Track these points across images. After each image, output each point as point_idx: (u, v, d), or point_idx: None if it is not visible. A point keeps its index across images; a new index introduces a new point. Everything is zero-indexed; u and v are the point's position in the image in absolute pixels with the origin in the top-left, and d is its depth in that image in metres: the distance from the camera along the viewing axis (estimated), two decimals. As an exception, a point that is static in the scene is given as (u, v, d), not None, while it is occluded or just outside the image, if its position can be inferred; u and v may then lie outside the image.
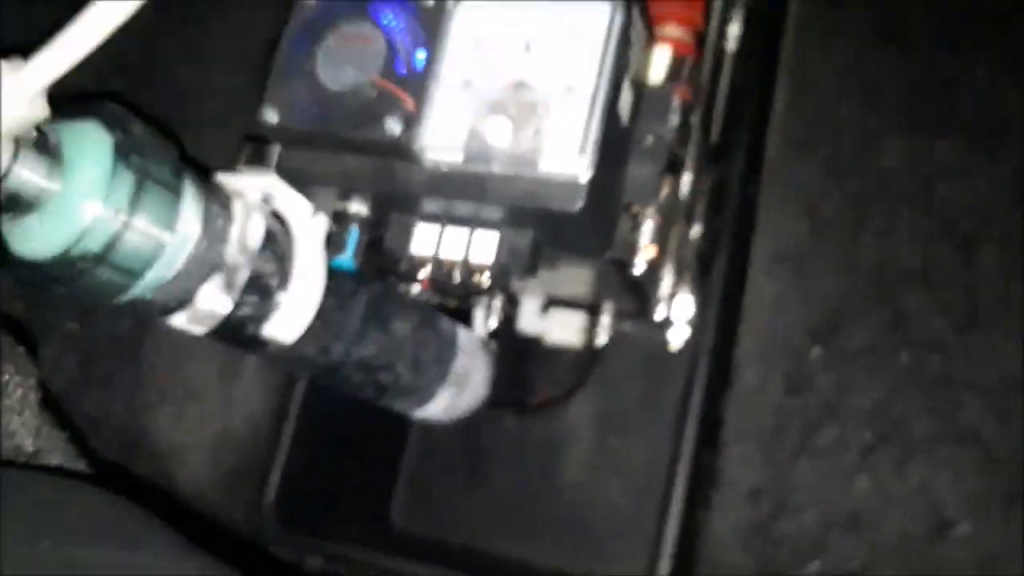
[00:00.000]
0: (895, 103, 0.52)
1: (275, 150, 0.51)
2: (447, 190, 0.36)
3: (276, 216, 0.49)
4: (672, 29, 0.41)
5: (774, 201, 0.53)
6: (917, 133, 0.51)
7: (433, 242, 0.38)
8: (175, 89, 0.64)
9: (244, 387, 0.60)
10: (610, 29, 0.34)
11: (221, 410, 0.60)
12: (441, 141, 0.35)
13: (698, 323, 0.54)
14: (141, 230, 0.38)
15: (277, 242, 0.47)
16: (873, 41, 0.53)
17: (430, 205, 0.37)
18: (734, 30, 0.59)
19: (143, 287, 0.40)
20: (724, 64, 0.57)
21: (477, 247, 0.38)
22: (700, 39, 0.43)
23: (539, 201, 0.34)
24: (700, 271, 0.55)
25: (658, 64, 0.39)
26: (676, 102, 0.39)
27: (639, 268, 0.44)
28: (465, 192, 0.35)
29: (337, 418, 0.65)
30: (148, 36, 0.64)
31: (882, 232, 0.51)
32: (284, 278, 0.47)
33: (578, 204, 0.34)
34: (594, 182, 0.34)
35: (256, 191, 0.49)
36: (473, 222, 0.38)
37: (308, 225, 0.48)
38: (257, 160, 0.51)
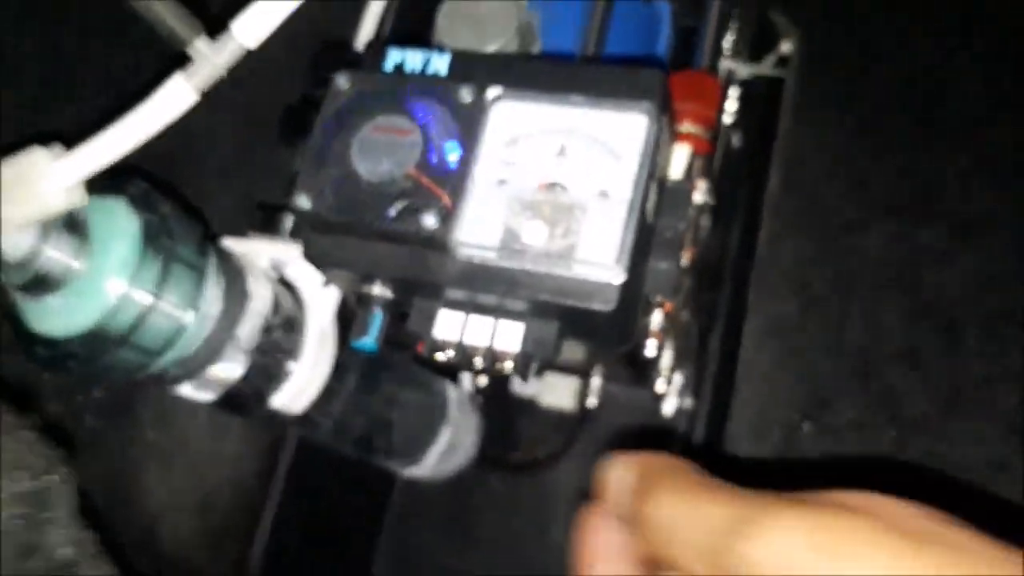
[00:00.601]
0: (881, 190, 0.55)
1: (286, 218, 0.52)
2: (478, 283, 0.36)
3: (286, 284, 0.49)
4: (689, 126, 0.43)
5: (766, 278, 0.55)
6: (901, 219, 0.54)
7: (457, 328, 0.39)
8: (181, 132, 0.63)
9: (232, 445, 0.60)
10: (647, 141, 0.35)
11: (209, 469, 0.59)
12: (476, 237, 0.36)
13: (693, 394, 0.56)
14: (166, 312, 0.38)
15: (288, 312, 0.47)
16: (860, 130, 0.55)
17: (456, 294, 0.38)
18: (730, 106, 0.61)
19: (161, 364, 0.40)
20: (720, 136, 0.60)
21: (502, 336, 0.38)
22: (714, 132, 0.45)
23: (571, 300, 0.35)
24: (697, 343, 0.56)
25: (678, 162, 0.41)
26: (693, 197, 0.41)
27: (650, 351, 0.45)
28: (496, 286, 0.36)
29: (324, 477, 0.64)
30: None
31: (869, 312, 0.54)
32: (295, 349, 0.47)
33: (611, 306, 0.35)
34: (626, 285, 0.35)
35: (266, 258, 0.49)
36: (498, 312, 0.38)
37: (319, 295, 0.48)
38: (268, 227, 0.52)
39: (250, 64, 0.63)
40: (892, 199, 0.56)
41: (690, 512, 0.25)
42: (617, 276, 0.34)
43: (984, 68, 0.58)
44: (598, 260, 0.34)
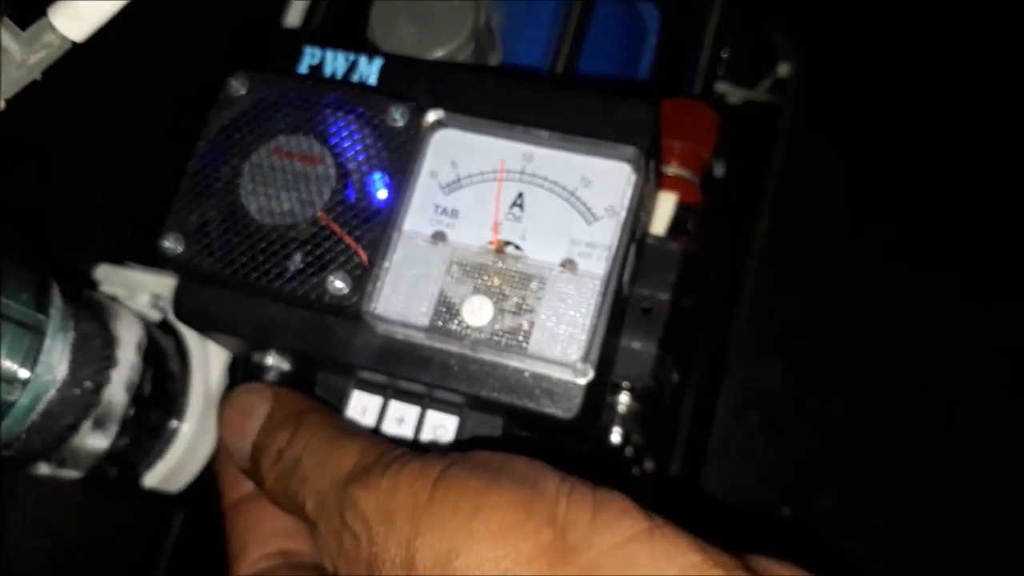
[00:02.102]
0: (883, 242, 0.48)
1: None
2: (400, 367, 0.28)
3: (169, 330, 0.40)
4: (678, 169, 0.35)
5: (747, 336, 0.48)
6: (903, 277, 0.47)
7: (372, 415, 0.30)
8: (63, 125, 0.54)
9: (116, 496, 0.50)
10: (630, 198, 0.27)
11: (85, 528, 0.49)
12: (398, 308, 0.27)
13: (661, 466, 0.48)
14: (-18, 381, 0.29)
15: (168, 366, 0.38)
16: (864, 172, 0.48)
17: (373, 375, 0.29)
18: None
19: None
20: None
21: (430, 430, 0.30)
22: (705, 177, 0.36)
23: (520, 399, 0.27)
24: (669, 403, 0.49)
25: (662, 214, 0.33)
26: (678, 260, 0.33)
27: (616, 438, 0.37)
28: (423, 373, 0.28)
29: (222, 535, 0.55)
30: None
31: (860, 381, 0.47)
32: (174, 413, 0.38)
33: (572, 413, 0.26)
34: (592, 384, 0.27)
35: (146, 295, 0.40)
36: (427, 400, 0.30)
37: (209, 345, 0.39)
38: (152, 254, 0.42)
39: (155, 45, 0.52)
40: (894, 254, 0.48)
41: (322, 458, 0.25)
42: (582, 375, 0.26)
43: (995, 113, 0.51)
44: (558, 355, 0.26)
